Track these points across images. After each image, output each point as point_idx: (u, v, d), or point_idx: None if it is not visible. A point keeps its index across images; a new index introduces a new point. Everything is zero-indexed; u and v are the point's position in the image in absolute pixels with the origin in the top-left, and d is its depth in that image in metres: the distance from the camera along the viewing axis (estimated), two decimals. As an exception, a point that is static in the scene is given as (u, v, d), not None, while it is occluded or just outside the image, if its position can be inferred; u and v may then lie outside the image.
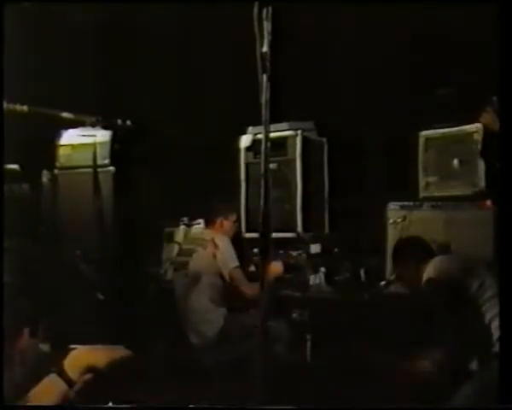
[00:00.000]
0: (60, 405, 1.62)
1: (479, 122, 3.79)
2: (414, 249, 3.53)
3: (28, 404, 1.59)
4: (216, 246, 4.29)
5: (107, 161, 4.64)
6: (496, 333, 2.95)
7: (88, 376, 1.66)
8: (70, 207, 4.70)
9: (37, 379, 1.63)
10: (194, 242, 4.53)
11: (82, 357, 1.68)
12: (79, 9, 4.88)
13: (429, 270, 3.32)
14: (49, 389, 1.61)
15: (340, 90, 4.73)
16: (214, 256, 4.27)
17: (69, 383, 1.63)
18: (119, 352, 1.74)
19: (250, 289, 4.09)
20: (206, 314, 4.24)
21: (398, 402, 2.96)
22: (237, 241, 4.54)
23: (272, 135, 2.08)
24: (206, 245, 4.35)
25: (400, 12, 4.12)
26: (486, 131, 3.89)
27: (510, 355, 2.02)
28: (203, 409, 1.76)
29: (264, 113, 2.04)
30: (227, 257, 4.26)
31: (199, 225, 4.87)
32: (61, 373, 1.63)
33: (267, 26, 2.04)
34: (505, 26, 2.15)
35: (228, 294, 4.28)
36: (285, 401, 1.83)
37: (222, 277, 4.26)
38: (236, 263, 4.25)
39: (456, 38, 4.24)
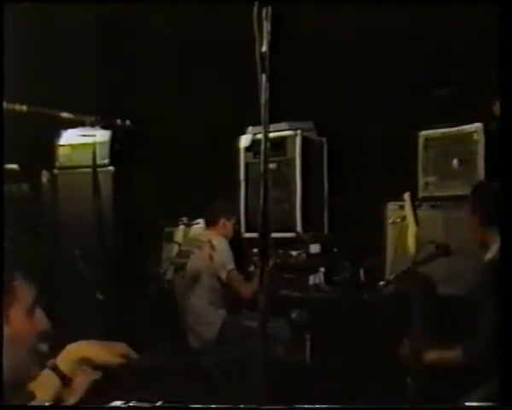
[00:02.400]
0: (60, 405, 1.62)
1: (492, 112, 3.75)
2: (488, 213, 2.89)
3: (26, 403, 1.59)
4: (213, 247, 4.28)
5: (106, 161, 4.65)
6: None
7: (83, 368, 1.66)
8: (70, 207, 4.70)
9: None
10: (193, 243, 4.52)
11: (73, 350, 1.68)
12: (79, 9, 4.88)
13: (497, 247, 2.76)
14: (43, 384, 1.62)
15: (340, 89, 4.73)
16: (211, 258, 4.25)
17: (63, 377, 1.63)
18: (113, 346, 1.74)
19: (247, 290, 4.08)
20: (205, 316, 4.23)
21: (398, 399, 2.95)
22: (237, 241, 4.53)
23: (272, 135, 2.07)
24: (204, 246, 4.34)
25: (400, 12, 4.12)
26: (490, 126, 3.88)
27: (510, 356, 2.02)
28: (203, 409, 1.76)
29: (264, 113, 2.04)
30: (224, 259, 4.25)
31: (198, 225, 4.86)
32: (55, 368, 1.64)
33: (267, 25, 2.03)
34: (505, 26, 2.14)
35: (226, 296, 4.27)
36: (285, 401, 1.83)
37: (219, 278, 4.25)
38: (233, 265, 4.24)
39: (456, 38, 4.24)
